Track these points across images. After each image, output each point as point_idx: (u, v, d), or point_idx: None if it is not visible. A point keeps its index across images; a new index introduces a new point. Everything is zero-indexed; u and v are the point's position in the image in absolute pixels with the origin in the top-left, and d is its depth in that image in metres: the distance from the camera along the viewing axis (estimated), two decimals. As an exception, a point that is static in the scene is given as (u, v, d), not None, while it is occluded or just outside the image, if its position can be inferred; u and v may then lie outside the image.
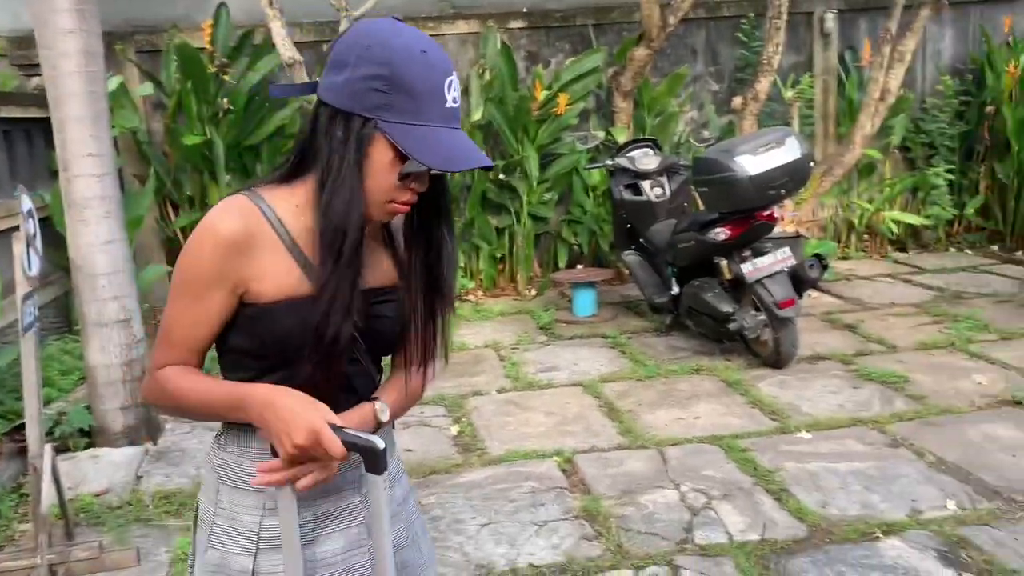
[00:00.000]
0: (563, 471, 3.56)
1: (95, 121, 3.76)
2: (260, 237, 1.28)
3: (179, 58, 5.67)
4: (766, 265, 4.52)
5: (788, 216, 6.21)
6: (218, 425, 1.42)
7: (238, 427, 1.36)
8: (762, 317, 4.58)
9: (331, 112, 1.24)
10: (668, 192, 5.44)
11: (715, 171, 4.48)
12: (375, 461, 1.22)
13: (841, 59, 7.18)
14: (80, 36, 3.68)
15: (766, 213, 4.55)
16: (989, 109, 7.07)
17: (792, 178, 4.45)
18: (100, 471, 3.63)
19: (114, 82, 5.25)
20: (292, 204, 1.31)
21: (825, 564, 2.79)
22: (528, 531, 3.07)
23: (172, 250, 6.19)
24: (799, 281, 4.57)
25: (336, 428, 1.22)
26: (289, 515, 1.30)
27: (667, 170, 5.49)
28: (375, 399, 1.39)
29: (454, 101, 1.24)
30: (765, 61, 6.08)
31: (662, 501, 3.26)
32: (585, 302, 5.81)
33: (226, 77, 5.80)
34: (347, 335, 1.28)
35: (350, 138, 1.22)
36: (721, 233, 4.58)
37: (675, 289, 5.16)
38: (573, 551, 2.93)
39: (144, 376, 1.35)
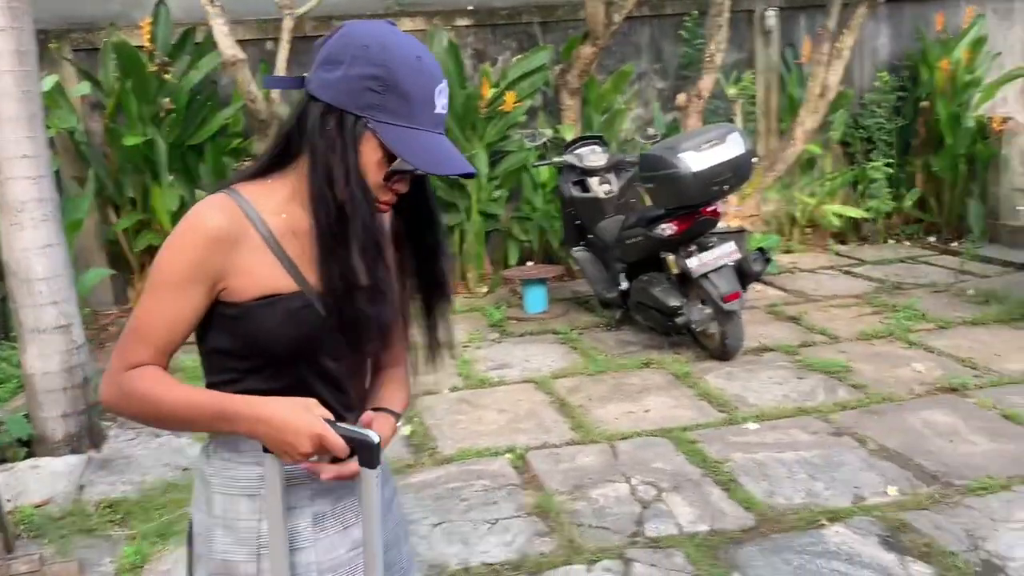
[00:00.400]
0: (515, 468, 3.58)
1: (30, 122, 3.65)
2: (242, 235, 1.28)
3: (117, 57, 5.54)
4: (711, 259, 4.59)
5: (732, 211, 6.32)
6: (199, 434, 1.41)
7: (225, 434, 1.34)
8: (708, 310, 4.66)
9: (323, 108, 1.25)
10: (616, 189, 5.49)
11: (660, 168, 4.54)
12: (370, 455, 1.24)
13: (782, 56, 7.32)
14: (11, 34, 3.57)
15: (710, 208, 4.63)
16: (924, 104, 7.28)
17: (735, 174, 4.53)
18: (41, 481, 3.54)
19: (49, 81, 5.11)
20: (272, 202, 1.32)
21: (772, 553, 2.85)
22: (481, 529, 3.08)
23: (114, 253, 6.05)
24: (744, 274, 4.65)
25: (331, 423, 1.24)
26: (276, 518, 1.30)
27: (614, 167, 5.54)
28: (395, 413, 1.42)
29: (443, 108, 1.28)
30: (708, 59, 6.16)
31: (613, 495, 3.29)
32: (536, 299, 5.83)
33: (167, 76, 5.69)
34: (389, 319, 1.33)
35: (343, 135, 1.24)
36: (667, 228, 4.64)
37: (624, 284, 5.21)
38: (526, 548, 2.95)
39: (105, 378, 1.32)
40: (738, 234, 4.85)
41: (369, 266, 1.29)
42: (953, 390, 4.12)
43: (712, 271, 4.57)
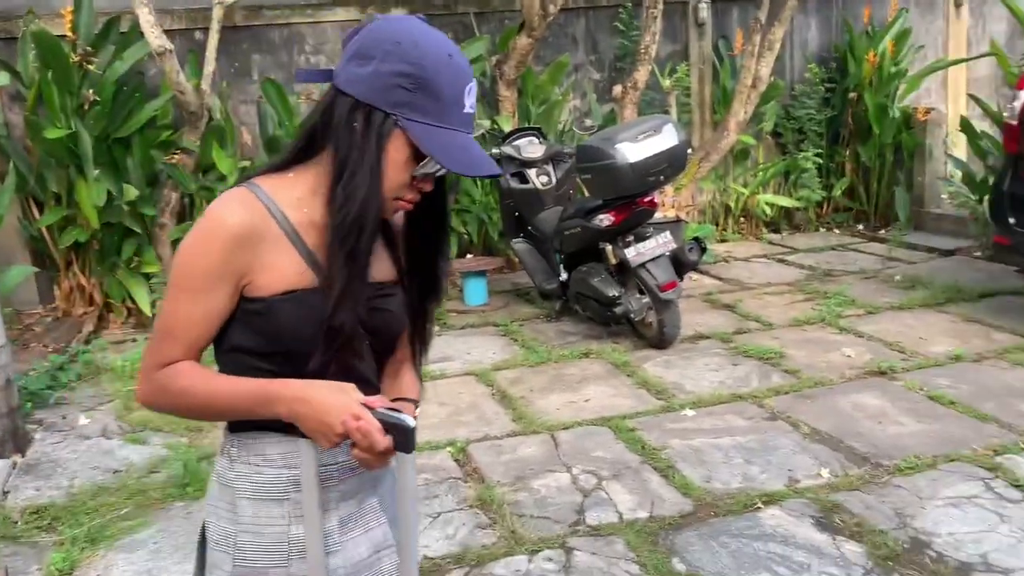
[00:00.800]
0: (457, 461, 3.57)
1: (-58, 114, 3.49)
2: (264, 229, 1.27)
3: (37, 46, 5.32)
4: (649, 249, 4.64)
5: (668, 201, 6.39)
6: (221, 439, 1.39)
7: (251, 435, 1.34)
8: (646, 300, 4.71)
9: (352, 104, 1.25)
10: (554, 180, 5.50)
11: (597, 159, 4.57)
12: (406, 439, 1.25)
13: (715, 48, 7.42)
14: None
15: (647, 199, 4.67)
16: (852, 95, 7.46)
17: (671, 164, 4.58)
18: (-38, 489, 3.40)
19: (-36, 72, 4.90)
20: (293, 196, 1.31)
21: (710, 537, 2.90)
22: (422, 523, 3.06)
23: (37, 250, 5.84)
24: (680, 264, 4.72)
25: (369, 409, 1.25)
26: (312, 506, 1.30)
27: (552, 158, 5.55)
28: (414, 401, 1.44)
29: (471, 108, 1.28)
30: (643, 50, 6.22)
31: (554, 485, 3.30)
32: (476, 291, 5.82)
33: (90, 66, 5.49)
34: (352, 326, 1.29)
35: (370, 131, 1.24)
36: (605, 219, 4.68)
37: (563, 275, 5.24)
38: (468, 540, 2.94)
39: (140, 377, 1.33)
40: (674, 224, 4.91)
41: (362, 267, 1.28)
42: (882, 373, 4.25)
43: (649, 261, 4.62)
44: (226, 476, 1.36)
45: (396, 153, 1.25)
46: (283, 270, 1.28)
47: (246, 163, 5.89)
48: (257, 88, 6.24)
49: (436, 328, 5.34)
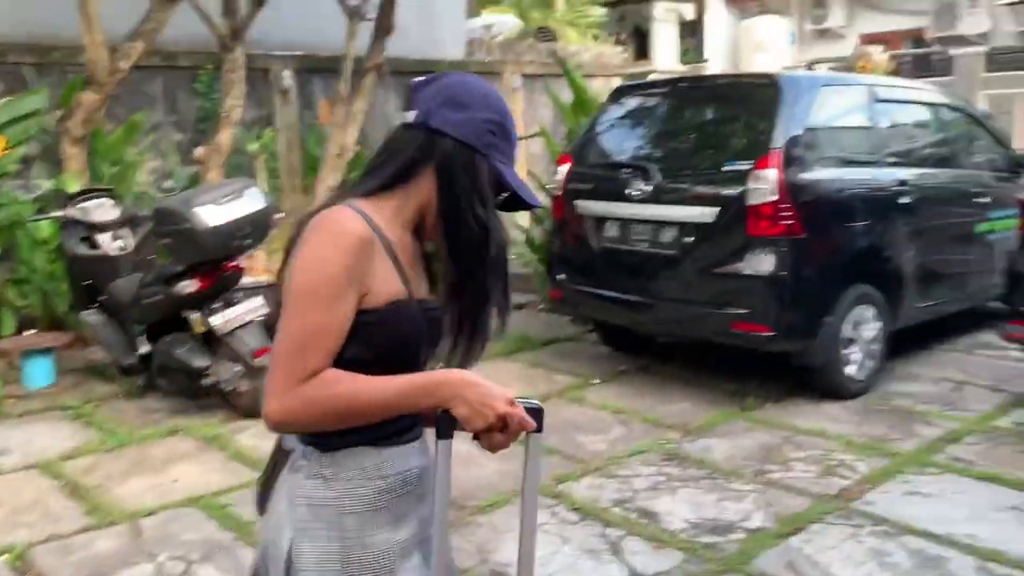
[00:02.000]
0: (15, 569, 3.09)
1: None
2: (373, 241, 1.37)
3: None
4: (238, 315, 4.51)
5: (262, 266, 6.30)
6: (303, 462, 1.45)
7: (345, 453, 1.41)
8: (238, 368, 4.55)
9: (453, 144, 1.42)
10: (132, 245, 5.12)
11: (176, 222, 4.36)
12: (542, 420, 1.42)
13: (301, 116, 7.56)
14: None
15: (233, 263, 4.56)
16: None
17: (255, 228, 4.54)
18: None
19: None
20: (381, 218, 1.41)
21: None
22: (-35, 652, 2.59)
23: None
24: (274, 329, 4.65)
25: None
26: (443, 500, 1.42)
27: (130, 222, 5.17)
28: None
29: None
30: (225, 114, 6.11)
31: (135, 579, 3.02)
32: (39, 372, 5.14)
33: None
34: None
35: (475, 169, 1.42)
36: (189, 286, 4.46)
37: (145, 347, 4.84)
38: (26, 661, 2.55)
39: (276, 396, 1.33)
40: (268, 288, 4.84)
41: (504, 282, 1.49)
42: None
43: (239, 327, 4.49)
44: (324, 496, 1.42)
45: None
46: (388, 281, 1.39)
47: None
48: None
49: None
